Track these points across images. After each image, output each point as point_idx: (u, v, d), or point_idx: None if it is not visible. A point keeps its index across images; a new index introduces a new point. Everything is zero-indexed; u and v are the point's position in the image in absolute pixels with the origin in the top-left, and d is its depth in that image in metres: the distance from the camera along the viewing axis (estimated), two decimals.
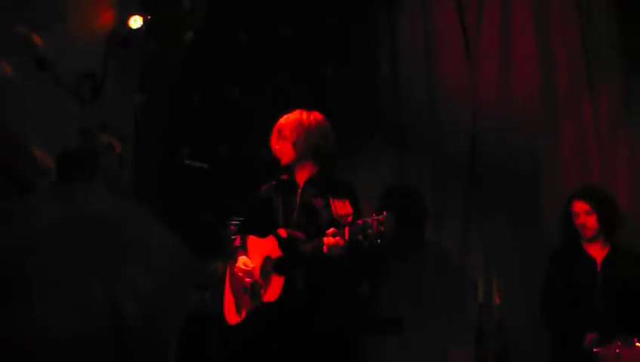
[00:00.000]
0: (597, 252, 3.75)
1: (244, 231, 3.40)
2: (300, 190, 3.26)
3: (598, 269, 3.69)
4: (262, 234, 3.26)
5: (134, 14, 4.47)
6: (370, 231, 2.81)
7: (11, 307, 0.62)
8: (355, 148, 4.55)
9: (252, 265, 3.22)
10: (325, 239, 2.94)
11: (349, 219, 2.96)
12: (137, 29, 4.48)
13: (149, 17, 4.47)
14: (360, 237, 2.84)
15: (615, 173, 4.21)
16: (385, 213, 2.84)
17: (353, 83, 4.77)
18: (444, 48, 4.60)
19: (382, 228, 2.80)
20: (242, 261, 3.25)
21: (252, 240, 3.34)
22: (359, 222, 2.88)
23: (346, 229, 2.90)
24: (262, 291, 3.18)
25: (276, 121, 3.32)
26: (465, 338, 4.25)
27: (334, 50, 4.85)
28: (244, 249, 3.34)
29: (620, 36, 4.28)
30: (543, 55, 4.40)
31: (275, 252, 3.14)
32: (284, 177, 3.34)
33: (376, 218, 2.83)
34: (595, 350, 3.32)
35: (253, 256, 3.28)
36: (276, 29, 4.99)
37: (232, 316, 3.33)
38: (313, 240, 3.04)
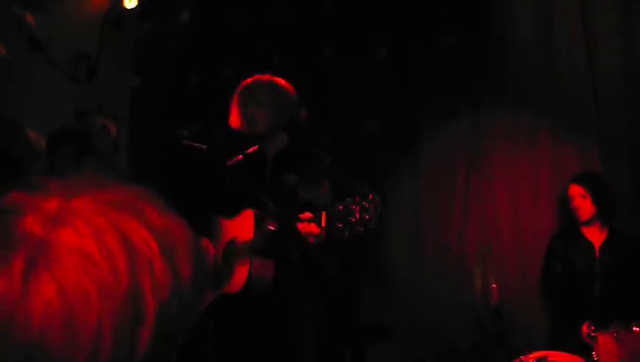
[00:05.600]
0: (595, 236, 3.74)
1: (210, 211, 2.97)
2: (269, 164, 2.88)
3: (597, 254, 3.69)
4: (230, 214, 2.84)
5: None
6: (352, 218, 2.36)
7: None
8: None
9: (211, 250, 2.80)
10: (298, 224, 2.51)
11: (327, 201, 2.59)
12: (132, 9, 4.42)
13: None
14: (340, 224, 2.40)
15: (617, 158, 4.17)
16: (371, 196, 2.37)
17: (350, 65, 4.72)
18: None
19: (366, 216, 2.34)
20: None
21: (222, 221, 2.93)
22: (340, 207, 2.42)
23: (323, 214, 2.46)
24: (224, 280, 2.74)
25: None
26: (462, 323, 4.23)
27: (332, 31, 4.79)
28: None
29: (621, 22, 4.22)
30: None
31: (243, 234, 2.73)
32: (252, 150, 2.94)
33: (359, 202, 2.37)
34: (592, 334, 3.32)
35: (223, 238, 2.88)
36: (274, 9, 4.92)
37: None
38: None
